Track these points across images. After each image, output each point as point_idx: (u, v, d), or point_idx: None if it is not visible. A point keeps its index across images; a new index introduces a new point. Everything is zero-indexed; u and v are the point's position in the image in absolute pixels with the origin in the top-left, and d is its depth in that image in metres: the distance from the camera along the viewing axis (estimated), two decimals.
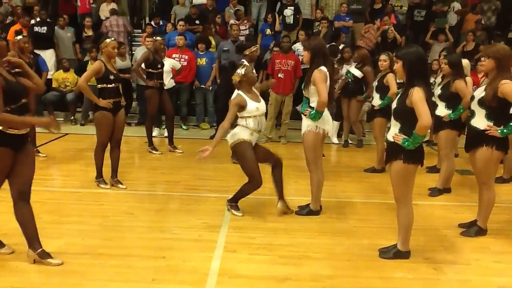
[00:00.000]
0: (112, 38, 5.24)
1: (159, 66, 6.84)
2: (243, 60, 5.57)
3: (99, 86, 5.11)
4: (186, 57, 8.55)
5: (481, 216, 4.27)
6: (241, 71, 4.47)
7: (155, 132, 8.03)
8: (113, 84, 5.10)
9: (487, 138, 3.98)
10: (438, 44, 10.10)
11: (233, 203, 4.63)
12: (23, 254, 3.56)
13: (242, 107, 4.38)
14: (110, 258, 3.62)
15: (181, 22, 9.43)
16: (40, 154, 6.52)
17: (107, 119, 5.12)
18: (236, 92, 4.53)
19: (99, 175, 5.35)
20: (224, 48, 8.40)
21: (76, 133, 8.44)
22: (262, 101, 4.58)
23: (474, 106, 4.08)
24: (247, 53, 6.01)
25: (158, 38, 7.01)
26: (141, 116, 8.89)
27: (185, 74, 8.48)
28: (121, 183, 5.36)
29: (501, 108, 3.95)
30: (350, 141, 8.09)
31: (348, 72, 7.62)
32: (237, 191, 4.60)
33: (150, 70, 6.79)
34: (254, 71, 5.13)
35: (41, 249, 3.44)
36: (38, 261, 3.43)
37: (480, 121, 4.03)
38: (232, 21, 10.19)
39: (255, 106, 4.43)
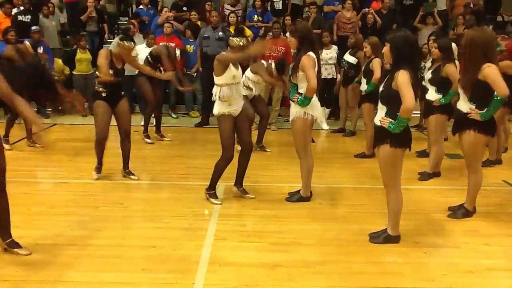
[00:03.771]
0: (132, 43, 5.17)
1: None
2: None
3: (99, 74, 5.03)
4: (173, 44, 8.41)
5: (468, 199, 4.31)
6: (242, 41, 4.49)
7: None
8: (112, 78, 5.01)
9: (470, 122, 3.99)
10: (426, 28, 10.06)
11: (211, 190, 4.60)
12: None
13: (224, 66, 4.36)
14: (99, 249, 3.59)
15: (165, 9, 9.29)
16: (37, 145, 6.48)
17: (101, 108, 5.04)
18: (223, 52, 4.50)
19: (98, 163, 5.28)
20: (205, 35, 8.30)
21: (64, 123, 8.36)
22: (240, 69, 4.56)
23: (460, 89, 4.09)
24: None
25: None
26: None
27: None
28: (133, 174, 5.29)
29: (483, 91, 3.92)
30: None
31: (343, 60, 7.60)
32: (212, 174, 4.56)
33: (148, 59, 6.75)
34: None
35: (11, 239, 3.44)
36: (8, 250, 3.42)
37: (463, 104, 4.05)
38: (227, 7, 10.03)
39: (233, 74, 4.41)
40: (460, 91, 4.08)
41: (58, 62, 9.22)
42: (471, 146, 4.06)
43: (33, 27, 8.50)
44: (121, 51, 5.05)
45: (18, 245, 3.45)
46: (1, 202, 3.37)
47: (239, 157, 4.69)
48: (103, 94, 5.02)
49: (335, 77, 8.30)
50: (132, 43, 5.20)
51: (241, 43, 4.46)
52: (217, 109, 4.50)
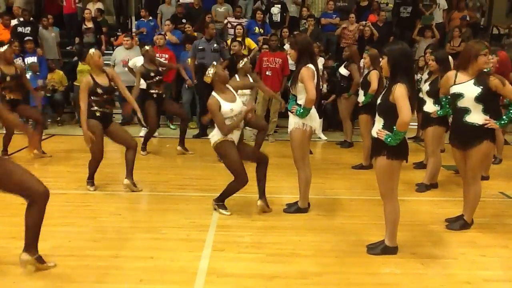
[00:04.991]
0: (94, 49, 5.14)
1: (152, 74, 6.74)
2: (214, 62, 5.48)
3: (90, 97, 4.98)
4: (166, 56, 8.41)
5: (468, 210, 4.32)
6: (211, 71, 4.45)
7: (155, 133, 8.03)
8: (102, 97, 4.97)
9: (486, 132, 4.04)
10: (424, 40, 10.17)
11: (220, 202, 4.63)
12: (7, 258, 3.54)
13: (219, 107, 4.36)
14: (97, 260, 3.59)
15: (167, 22, 9.35)
16: (45, 155, 6.65)
17: (96, 128, 4.97)
18: (212, 94, 4.46)
19: (91, 176, 5.30)
20: (200, 47, 8.32)
21: (63, 134, 8.38)
22: (238, 100, 4.52)
23: (468, 103, 4.04)
24: (240, 66, 6.11)
25: (147, 47, 6.88)
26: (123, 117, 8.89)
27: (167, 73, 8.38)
28: (135, 186, 5.28)
29: (494, 100, 4.08)
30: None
31: (337, 72, 7.71)
32: (223, 190, 4.59)
33: (147, 81, 6.74)
34: (226, 70, 5.15)
35: (38, 255, 3.37)
36: (35, 267, 3.36)
37: (477, 116, 4.04)
38: (229, 19, 10.12)
39: (229, 108, 4.37)
40: (471, 104, 4.04)
41: (59, 73, 9.29)
42: (483, 157, 4.11)
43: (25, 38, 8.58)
44: (92, 62, 5.00)
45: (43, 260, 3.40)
46: (30, 215, 3.28)
47: (256, 170, 4.65)
48: (97, 114, 4.99)
49: (321, 87, 8.37)
50: (95, 49, 5.15)
51: (210, 74, 4.43)
52: (217, 136, 4.45)
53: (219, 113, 4.34)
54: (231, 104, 4.41)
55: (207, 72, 4.47)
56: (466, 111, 4.08)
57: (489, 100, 4.03)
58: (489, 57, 4.00)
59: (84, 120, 4.92)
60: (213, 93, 4.44)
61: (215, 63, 4.65)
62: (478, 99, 4.01)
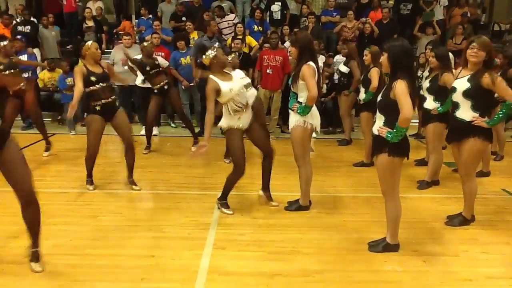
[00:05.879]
0: (92, 40, 5.13)
1: (147, 68, 6.73)
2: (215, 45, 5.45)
3: (86, 89, 4.93)
4: (162, 54, 8.36)
5: (465, 207, 4.32)
6: (211, 53, 4.43)
7: (155, 130, 8.03)
8: (97, 85, 4.93)
9: (475, 129, 4.01)
10: (425, 37, 10.14)
11: (223, 200, 4.62)
12: (8, 257, 3.54)
13: (217, 91, 4.33)
14: (98, 258, 3.59)
15: (156, 23, 9.28)
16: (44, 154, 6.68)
17: (95, 123, 4.98)
18: (209, 77, 4.42)
19: (89, 175, 5.29)
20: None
21: (64, 133, 8.37)
22: (235, 79, 4.50)
23: (458, 97, 4.08)
24: (229, 61, 6.04)
25: (146, 42, 6.85)
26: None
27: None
28: (135, 184, 5.29)
29: (486, 99, 4.01)
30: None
31: (337, 69, 7.69)
32: (223, 186, 4.58)
33: (144, 75, 6.76)
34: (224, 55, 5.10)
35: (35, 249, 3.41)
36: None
37: (465, 113, 4.06)
38: (229, 17, 10.10)
39: (228, 88, 4.36)
40: (460, 99, 4.06)
41: (60, 72, 9.26)
42: (474, 153, 4.10)
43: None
44: (90, 52, 4.99)
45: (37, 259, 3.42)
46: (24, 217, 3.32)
47: (262, 162, 4.73)
48: (97, 108, 4.95)
49: (321, 86, 8.36)
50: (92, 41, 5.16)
51: (209, 56, 4.42)
52: (225, 122, 4.45)
53: (213, 100, 4.30)
54: (229, 83, 4.39)
55: (207, 53, 4.45)
56: (457, 105, 4.11)
57: (478, 97, 3.98)
58: (475, 50, 3.96)
59: (77, 97, 4.78)
60: (211, 76, 4.40)
61: (217, 45, 4.62)
62: (466, 94, 4.00)
